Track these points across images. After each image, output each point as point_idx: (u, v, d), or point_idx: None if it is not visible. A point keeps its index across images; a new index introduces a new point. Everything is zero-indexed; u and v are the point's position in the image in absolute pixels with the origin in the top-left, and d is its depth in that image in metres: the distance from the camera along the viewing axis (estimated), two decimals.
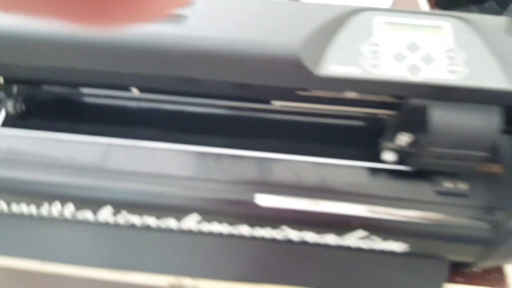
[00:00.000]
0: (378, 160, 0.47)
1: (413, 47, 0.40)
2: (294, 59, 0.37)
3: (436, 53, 0.40)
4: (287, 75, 0.38)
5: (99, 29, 0.40)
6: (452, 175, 0.46)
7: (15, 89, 0.50)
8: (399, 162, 0.46)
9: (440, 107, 0.39)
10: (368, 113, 0.48)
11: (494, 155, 0.47)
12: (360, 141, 0.50)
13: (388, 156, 0.46)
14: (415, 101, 0.40)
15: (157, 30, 0.39)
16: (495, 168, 0.47)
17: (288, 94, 0.41)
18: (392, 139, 0.45)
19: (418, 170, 0.45)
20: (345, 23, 0.40)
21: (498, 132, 0.39)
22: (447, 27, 0.41)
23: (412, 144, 0.44)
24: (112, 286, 0.55)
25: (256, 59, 0.37)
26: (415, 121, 0.41)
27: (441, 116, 0.39)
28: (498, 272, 0.55)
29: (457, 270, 0.54)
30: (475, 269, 0.54)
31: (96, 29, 0.40)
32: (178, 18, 0.40)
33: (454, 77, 0.38)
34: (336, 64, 0.38)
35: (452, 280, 0.54)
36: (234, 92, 0.42)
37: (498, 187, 0.46)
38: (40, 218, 0.51)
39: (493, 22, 0.42)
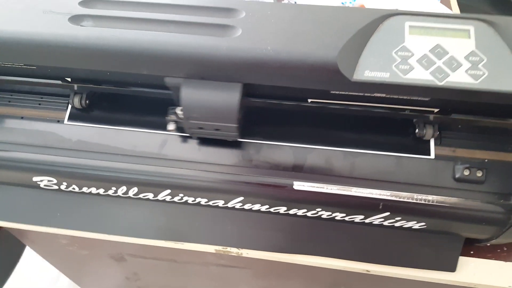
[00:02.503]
0: (403, 149, 0.52)
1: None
2: (333, 67, 0.42)
3: None
4: (327, 80, 0.43)
5: None
6: (470, 163, 0.51)
7: (80, 86, 0.55)
8: (181, 130, 0.52)
9: (189, 84, 0.44)
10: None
11: (507, 143, 0.52)
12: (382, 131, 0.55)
13: (170, 126, 0.52)
14: (169, 80, 0.45)
15: (210, 43, 0.43)
16: (508, 157, 0.52)
17: (322, 94, 0.46)
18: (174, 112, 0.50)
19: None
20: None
21: (240, 105, 0.44)
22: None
23: (182, 116, 0.49)
24: (165, 250, 0.63)
25: (300, 68, 0.42)
26: (178, 96, 0.46)
27: (189, 92, 0.44)
28: (508, 247, 0.61)
29: (471, 245, 0.61)
30: (487, 244, 0.61)
31: None
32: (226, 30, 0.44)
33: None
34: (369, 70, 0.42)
35: (466, 254, 0.60)
36: (280, 92, 0.47)
37: (510, 174, 0.51)
38: (107, 197, 0.59)
39: None
